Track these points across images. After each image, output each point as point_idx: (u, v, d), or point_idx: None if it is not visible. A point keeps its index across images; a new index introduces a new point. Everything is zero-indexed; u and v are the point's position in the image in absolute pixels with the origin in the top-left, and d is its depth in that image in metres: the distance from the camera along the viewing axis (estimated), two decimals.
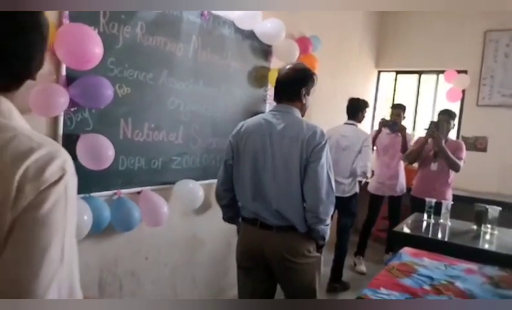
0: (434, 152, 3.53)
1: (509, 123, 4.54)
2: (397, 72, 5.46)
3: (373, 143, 4.11)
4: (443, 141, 3.41)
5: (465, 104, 4.82)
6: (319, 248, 1.94)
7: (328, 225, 1.86)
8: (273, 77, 3.24)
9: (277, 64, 3.27)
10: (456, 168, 3.45)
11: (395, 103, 4.25)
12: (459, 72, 4.77)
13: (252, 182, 1.85)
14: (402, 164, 4.14)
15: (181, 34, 2.40)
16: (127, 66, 2.11)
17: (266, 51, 3.16)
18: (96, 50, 1.79)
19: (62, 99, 1.77)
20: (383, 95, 5.62)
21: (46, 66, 1.82)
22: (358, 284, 3.56)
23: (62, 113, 1.86)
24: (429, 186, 3.54)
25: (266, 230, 1.84)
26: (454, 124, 3.59)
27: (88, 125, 1.97)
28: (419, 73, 5.28)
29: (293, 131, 1.80)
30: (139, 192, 2.27)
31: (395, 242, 2.72)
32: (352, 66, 4.73)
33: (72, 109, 1.89)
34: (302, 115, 1.92)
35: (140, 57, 2.17)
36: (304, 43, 3.41)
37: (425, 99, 5.27)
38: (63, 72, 1.85)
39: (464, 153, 3.52)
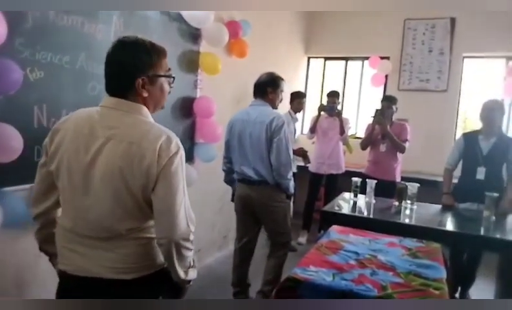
0: (382, 135, 3.77)
1: (426, 106, 4.90)
2: (326, 58, 5.64)
3: (314, 127, 4.41)
4: (388, 126, 3.70)
5: (387, 88, 5.11)
6: (288, 198, 2.72)
7: (289, 179, 2.63)
8: (203, 61, 3.17)
9: (207, 49, 3.20)
10: (401, 149, 3.76)
11: (330, 90, 4.43)
12: (382, 58, 5.04)
13: (239, 152, 2.68)
14: (341, 145, 4.44)
15: (100, 14, 2.25)
16: (39, 48, 1.93)
17: (194, 34, 3.08)
18: None
19: None
20: (312, 81, 5.77)
21: None
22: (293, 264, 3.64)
23: None
24: (380, 166, 3.81)
25: (251, 184, 2.68)
26: (396, 108, 3.83)
27: None
28: (346, 59, 5.50)
29: (261, 117, 2.60)
30: None
31: (326, 221, 2.82)
32: (282, 52, 4.79)
33: None
34: (273, 107, 2.70)
35: (54, 38, 2.00)
36: (233, 27, 3.37)
37: (351, 84, 5.50)
38: None
39: (409, 134, 3.81)
